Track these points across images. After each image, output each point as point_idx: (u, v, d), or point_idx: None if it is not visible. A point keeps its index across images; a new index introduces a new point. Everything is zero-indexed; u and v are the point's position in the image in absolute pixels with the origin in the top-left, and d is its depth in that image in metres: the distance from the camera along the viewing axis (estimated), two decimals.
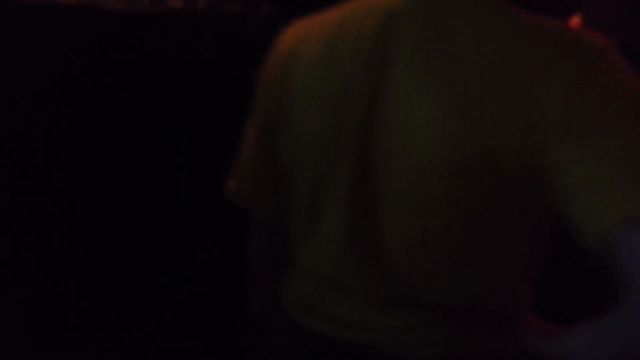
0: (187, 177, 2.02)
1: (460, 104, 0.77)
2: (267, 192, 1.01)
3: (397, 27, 0.83)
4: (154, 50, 2.01)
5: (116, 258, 1.98)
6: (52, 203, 1.91)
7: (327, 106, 0.88)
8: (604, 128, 0.72)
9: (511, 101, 0.75)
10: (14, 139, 1.85)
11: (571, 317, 0.81)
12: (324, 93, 0.88)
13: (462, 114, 0.77)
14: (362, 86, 0.85)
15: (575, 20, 1.68)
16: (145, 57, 2.00)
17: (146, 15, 2.02)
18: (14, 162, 1.87)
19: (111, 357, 1.95)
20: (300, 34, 0.96)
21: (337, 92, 0.87)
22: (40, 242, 1.91)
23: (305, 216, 0.93)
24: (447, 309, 0.83)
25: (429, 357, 0.84)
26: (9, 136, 1.84)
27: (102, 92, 1.97)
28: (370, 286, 0.87)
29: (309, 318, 0.94)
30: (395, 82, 0.82)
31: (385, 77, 0.83)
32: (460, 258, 0.82)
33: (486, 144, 0.76)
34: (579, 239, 0.74)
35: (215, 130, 2.04)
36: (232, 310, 1.50)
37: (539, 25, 0.79)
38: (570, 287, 1.04)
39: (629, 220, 0.69)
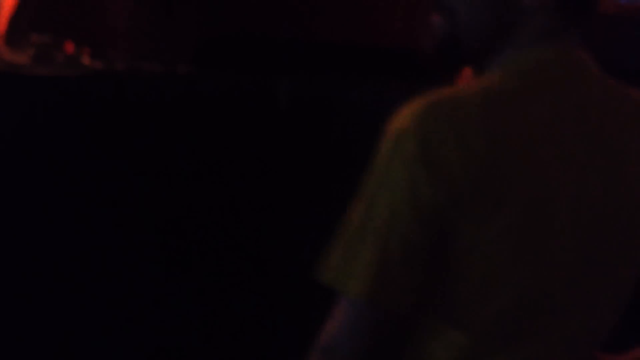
0: None
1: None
2: (417, 294, 0.87)
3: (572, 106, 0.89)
4: (77, 112, 2.06)
5: None
6: None
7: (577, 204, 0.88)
8: None
9: None
10: None
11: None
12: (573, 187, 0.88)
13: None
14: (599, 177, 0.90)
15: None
16: (69, 119, 2.05)
17: (67, 78, 2.08)
18: None
19: None
20: (492, 115, 0.87)
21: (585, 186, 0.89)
22: None
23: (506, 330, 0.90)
24: None
25: None
26: None
27: (26, 154, 2.00)
28: None
29: None
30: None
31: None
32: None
33: None
34: None
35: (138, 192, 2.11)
36: None
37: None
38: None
39: None
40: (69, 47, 4.02)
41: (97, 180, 2.09)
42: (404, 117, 0.85)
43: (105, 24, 3.74)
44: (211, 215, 2.30)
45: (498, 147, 0.83)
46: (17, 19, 3.45)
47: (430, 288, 0.85)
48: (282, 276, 2.18)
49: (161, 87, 2.18)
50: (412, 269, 0.83)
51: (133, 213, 2.15)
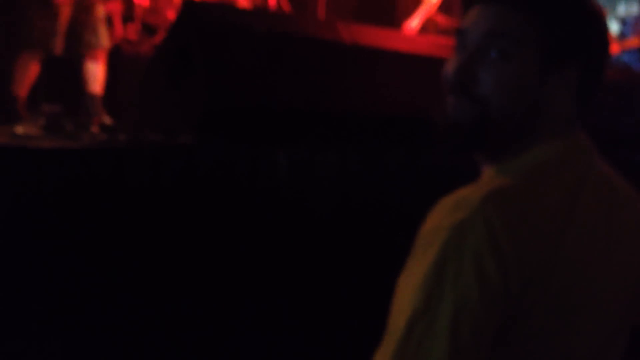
0: None
1: None
2: None
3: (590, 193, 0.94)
4: (82, 185, 2.12)
5: None
6: None
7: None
8: None
9: None
10: None
11: None
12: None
13: None
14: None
15: None
16: (73, 191, 2.10)
17: (72, 151, 2.15)
18: None
19: None
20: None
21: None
22: None
23: None
24: None
25: None
26: None
27: (32, 227, 2.06)
28: None
29: None
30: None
31: None
32: None
33: None
34: None
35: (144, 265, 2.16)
36: None
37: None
38: None
39: None
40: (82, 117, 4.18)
41: (102, 250, 2.14)
42: (462, 207, 0.85)
43: (114, 94, 3.89)
44: (212, 281, 2.33)
45: (562, 235, 0.87)
46: (35, 88, 3.63)
47: None
48: None
49: (163, 158, 2.24)
50: (482, 355, 0.84)
51: (134, 278, 2.19)
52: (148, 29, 5.45)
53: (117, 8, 5.68)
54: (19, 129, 2.58)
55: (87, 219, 2.08)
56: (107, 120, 3.45)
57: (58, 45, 3.62)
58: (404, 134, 2.78)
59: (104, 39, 3.85)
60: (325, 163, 2.53)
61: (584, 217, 0.91)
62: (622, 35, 6.28)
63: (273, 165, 2.42)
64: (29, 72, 3.61)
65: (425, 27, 5.66)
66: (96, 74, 3.78)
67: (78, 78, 3.79)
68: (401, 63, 2.98)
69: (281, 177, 2.40)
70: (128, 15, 5.59)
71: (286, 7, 5.64)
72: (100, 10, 3.92)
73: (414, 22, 4.49)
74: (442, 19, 6.16)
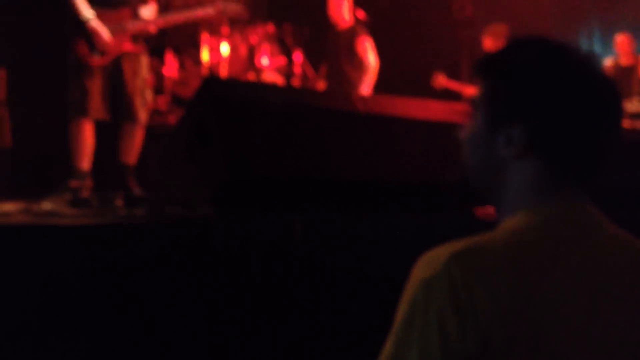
0: None
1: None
2: None
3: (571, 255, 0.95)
4: (105, 260, 2.19)
5: None
6: None
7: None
8: None
9: None
10: None
11: None
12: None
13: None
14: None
15: None
16: (100, 267, 2.18)
17: (94, 227, 2.24)
18: None
19: None
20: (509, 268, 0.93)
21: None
22: None
23: None
24: None
25: None
26: None
27: (57, 302, 2.13)
28: None
29: None
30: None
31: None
32: None
33: None
34: None
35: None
36: None
37: None
38: None
39: None
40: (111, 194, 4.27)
41: (121, 322, 2.20)
42: (432, 264, 0.91)
43: (143, 165, 3.97)
44: (229, 351, 2.36)
45: (525, 299, 0.89)
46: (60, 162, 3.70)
47: None
48: None
49: (181, 231, 2.32)
50: None
51: (151, 350, 2.24)
52: (177, 101, 5.65)
53: (148, 79, 5.92)
54: (47, 205, 2.69)
55: (109, 294, 2.15)
56: (137, 191, 3.48)
57: (99, 110, 3.58)
58: (419, 198, 2.82)
59: (147, 105, 3.80)
60: (341, 229, 2.57)
61: (562, 281, 0.92)
62: None
63: (289, 233, 2.48)
64: (84, 138, 3.55)
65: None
66: (134, 142, 3.71)
67: (112, 146, 3.71)
68: (414, 129, 3.04)
69: (297, 244, 2.45)
70: (158, 87, 5.81)
71: (319, 86, 5.82)
72: (146, 72, 3.86)
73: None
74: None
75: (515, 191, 1.00)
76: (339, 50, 5.33)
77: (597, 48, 7.44)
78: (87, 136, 3.54)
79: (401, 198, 2.86)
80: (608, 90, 0.99)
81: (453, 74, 7.05)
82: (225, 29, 5.64)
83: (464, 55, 7.78)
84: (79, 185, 3.13)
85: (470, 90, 6.41)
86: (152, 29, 3.73)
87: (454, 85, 6.72)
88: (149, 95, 3.82)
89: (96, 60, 3.55)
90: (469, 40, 7.73)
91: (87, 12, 3.55)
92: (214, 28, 5.74)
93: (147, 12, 3.75)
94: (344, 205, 2.68)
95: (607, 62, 5.94)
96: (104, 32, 3.55)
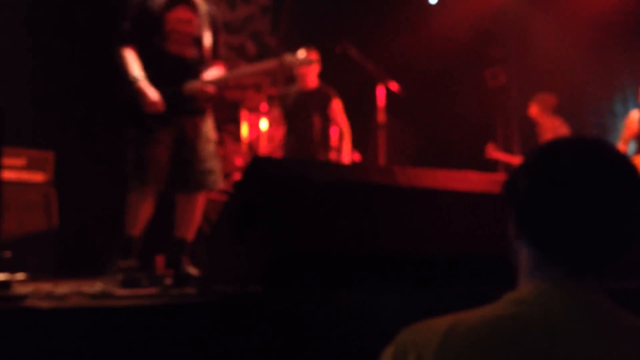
0: None
1: None
2: None
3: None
4: (156, 341, 2.22)
5: None
6: None
7: None
8: None
9: None
10: None
11: None
12: None
13: None
14: None
15: None
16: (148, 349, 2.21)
17: (148, 307, 2.29)
18: None
19: None
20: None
21: None
22: None
23: None
24: None
25: None
26: None
27: None
28: None
29: None
30: None
31: None
32: None
33: None
34: None
35: None
36: None
37: None
38: None
39: None
40: (159, 264, 4.28)
41: None
42: (410, 330, 1.02)
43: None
44: None
45: None
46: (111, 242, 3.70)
47: None
48: None
49: (233, 309, 2.34)
50: None
51: None
52: None
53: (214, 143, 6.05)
54: (99, 285, 2.75)
55: None
56: (193, 271, 3.36)
57: (161, 181, 3.43)
58: (465, 273, 2.82)
59: (216, 173, 3.61)
60: (388, 305, 2.57)
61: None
62: None
63: (336, 309, 2.49)
64: (144, 210, 3.43)
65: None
66: (196, 215, 3.56)
67: (168, 220, 3.57)
68: (457, 201, 3.07)
69: (344, 320, 2.46)
70: None
71: (355, 157, 5.91)
72: (212, 135, 3.71)
73: None
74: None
75: (520, 268, 1.10)
76: (310, 110, 5.45)
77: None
78: (146, 208, 3.44)
79: (446, 271, 2.86)
80: (603, 183, 1.03)
81: (489, 141, 7.09)
82: (264, 106, 5.79)
83: (498, 122, 7.84)
84: (130, 265, 3.18)
85: (519, 162, 6.45)
86: (211, 89, 3.56)
87: (504, 156, 6.80)
88: (216, 161, 3.65)
89: (154, 127, 3.44)
90: (503, 107, 7.81)
91: (138, 73, 3.47)
92: (253, 105, 5.90)
93: (213, 74, 3.64)
94: (389, 279, 2.69)
95: (634, 114, 5.89)
96: (151, 92, 3.43)
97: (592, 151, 1.05)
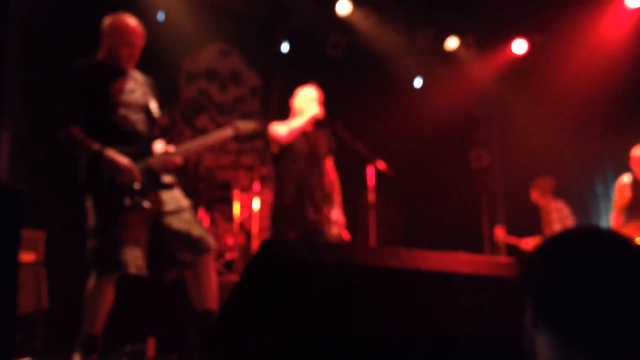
0: None
1: None
2: None
3: None
4: None
5: None
6: None
7: None
8: None
9: None
10: None
11: None
12: None
13: None
14: None
15: None
16: None
17: None
18: None
19: None
20: None
21: None
22: None
23: None
24: None
25: None
26: None
27: None
28: None
29: None
30: None
31: None
32: None
33: None
34: None
35: None
36: None
37: None
38: None
39: None
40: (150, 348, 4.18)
41: None
42: None
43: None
44: None
45: None
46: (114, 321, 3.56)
47: None
48: None
49: None
50: None
51: None
52: None
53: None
54: None
55: None
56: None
57: (140, 259, 3.23)
58: (471, 355, 2.82)
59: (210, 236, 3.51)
60: None
61: None
62: None
63: None
64: (103, 300, 3.22)
65: None
66: (213, 280, 3.41)
67: (182, 297, 3.42)
68: (463, 284, 3.09)
69: None
70: None
71: (346, 236, 5.93)
72: (187, 202, 3.58)
73: None
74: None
75: (539, 357, 1.11)
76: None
77: (612, 191, 7.62)
78: (108, 300, 3.25)
79: (454, 353, 2.86)
80: (625, 271, 1.06)
81: (475, 221, 7.18)
82: (256, 185, 5.83)
83: (483, 201, 7.97)
84: (136, 349, 3.11)
85: (527, 244, 6.55)
86: (179, 160, 3.49)
87: (511, 239, 6.89)
88: (201, 223, 3.55)
89: (127, 200, 3.26)
90: (488, 187, 7.95)
91: (98, 145, 3.31)
92: (245, 185, 5.95)
93: (159, 147, 3.56)
94: None
95: (625, 178, 5.91)
96: (123, 159, 3.30)
97: (611, 241, 1.09)
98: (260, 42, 7.46)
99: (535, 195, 6.80)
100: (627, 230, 5.40)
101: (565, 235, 1.13)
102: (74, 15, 5.76)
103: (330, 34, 7.62)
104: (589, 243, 1.08)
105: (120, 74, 3.52)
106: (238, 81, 7.50)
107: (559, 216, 6.56)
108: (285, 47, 7.51)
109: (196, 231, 3.46)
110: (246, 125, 3.77)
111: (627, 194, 5.70)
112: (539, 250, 1.13)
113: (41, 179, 5.40)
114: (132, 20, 3.59)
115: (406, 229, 7.51)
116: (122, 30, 3.53)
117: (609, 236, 1.10)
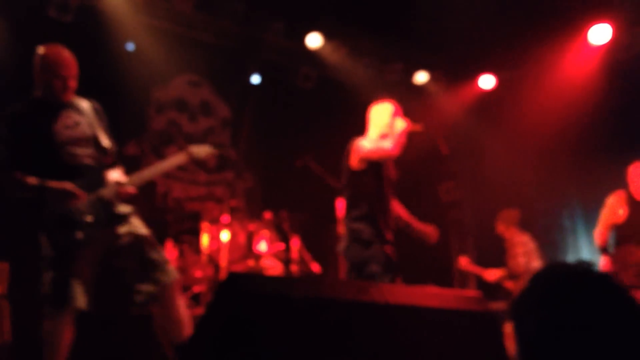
0: None
1: None
2: None
3: None
4: None
5: None
6: None
7: None
8: None
9: None
10: None
11: None
12: None
13: None
14: None
15: None
16: None
17: None
18: None
19: None
20: None
21: None
22: None
23: None
24: None
25: None
26: None
27: None
28: None
29: None
30: None
31: None
32: None
33: None
34: None
35: None
36: None
37: None
38: None
39: None
40: None
41: None
42: None
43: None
44: None
45: None
46: None
47: None
48: None
49: None
50: None
51: None
52: None
53: None
54: None
55: None
56: None
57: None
58: None
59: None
60: None
61: None
62: None
63: None
64: (61, 337, 3.13)
65: None
66: (184, 308, 3.34)
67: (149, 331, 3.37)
68: (431, 318, 3.08)
69: None
70: None
71: (315, 268, 5.91)
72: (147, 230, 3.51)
73: None
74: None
75: None
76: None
77: (580, 226, 7.72)
78: (67, 337, 3.15)
79: None
80: (616, 326, 1.05)
81: (445, 253, 7.21)
82: (225, 217, 5.79)
83: (452, 234, 8.01)
84: None
85: (490, 275, 6.58)
86: (132, 190, 3.44)
87: (475, 269, 6.91)
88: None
89: (79, 234, 3.17)
90: (457, 220, 8.00)
91: (35, 180, 3.21)
92: (214, 217, 5.90)
93: (115, 175, 3.50)
94: None
95: (621, 193, 5.45)
96: (65, 184, 3.23)
97: (603, 288, 1.07)
98: (231, 73, 7.48)
99: (500, 228, 6.86)
100: (620, 251, 5.16)
101: (553, 280, 1.11)
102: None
103: (301, 66, 7.68)
104: (579, 291, 1.06)
105: (61, 108, 3.41)
106: (208, 112, 7.49)
107: (524, 249, 6.60)
108: (256, 79, 7.53)
109: (156, 261, 3.39)
110: (200, 150, 3.73)
111: (622, 210, 5.23)
112: (526, 297, 1.12)
113: (2, 210, 5.30)
114: (62, 51, 3.45)
115: None
116: (53, 63, 3.39)
117: (600, 282, 1.08)
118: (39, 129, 3.31)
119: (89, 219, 3.24)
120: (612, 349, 1.01)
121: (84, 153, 3.38)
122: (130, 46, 6.48)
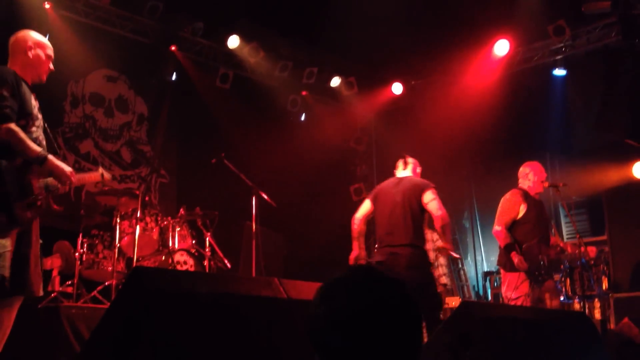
0: None
1: None
2: None
3: None
4: None
5: None
6: None
7: None
8: None
9: None
10: None
11: None
12: None
13: None
14: None
15: None
16: None
17: None
18: None
19: None
20: None
21: None
22: None
23: None
24: None
25: None
26: None
27: None
28: None
29: None
30: None
31: None
32: None
33: None
34: None
35: None
36: None
37: None
38: None
39: None
40: None
41: None
42: None
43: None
44: None
45: None
46: None
47: None
48: None
49: None
50: None
51: None
52: (86, 284, 5.65)
53: (56, 263, 5.89)
54: None
55: None
56: None
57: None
58: None
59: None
60: None
61: None
62: None
63: None
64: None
65: None
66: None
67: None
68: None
69: None
70: (67, 270, 5.81)
71: (227, 265, 6.03)
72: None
73: None
74: None
75: None
76: None
77: (476, 226, 8.17)
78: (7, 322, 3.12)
79: None
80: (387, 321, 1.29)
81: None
82: (139, 213, 5.84)
83: None
84: None
85: None
86: (67, 188, 3.40)
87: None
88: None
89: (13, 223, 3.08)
90: None
91: (41, 149, 3.25)
92: (128, 212, 5.94)
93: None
94: None
95: (516, 192, 5.55)
96: (64, 165, 3.33)
97: (379, 285, 1.30)
98: (149, 70, 7.51)
99: None
100: (528, 247, 5.21)
101: (343, 278, 1.34)
102: None
103: (220, 65, 7.79)
104: (360, 285, 1.30)
105: (31, 89, 3.40)
106: (125, 108, 7.50)
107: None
108: (173, 76, 7.58)
109: (37, 273, 3.25)
110: (106, 179, 3.97)
111: (524, 207, 5.30)
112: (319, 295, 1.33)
113: None
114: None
115: (287, 259, 7.71)
116: (44, 44, 3.49)
117: (382, 279, 1.31)
118: (26, 99, 3.31)
119: (39, 203, 3.22)
120: (384, 328, 1.26)
121: (41, 136, 3.41)
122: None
